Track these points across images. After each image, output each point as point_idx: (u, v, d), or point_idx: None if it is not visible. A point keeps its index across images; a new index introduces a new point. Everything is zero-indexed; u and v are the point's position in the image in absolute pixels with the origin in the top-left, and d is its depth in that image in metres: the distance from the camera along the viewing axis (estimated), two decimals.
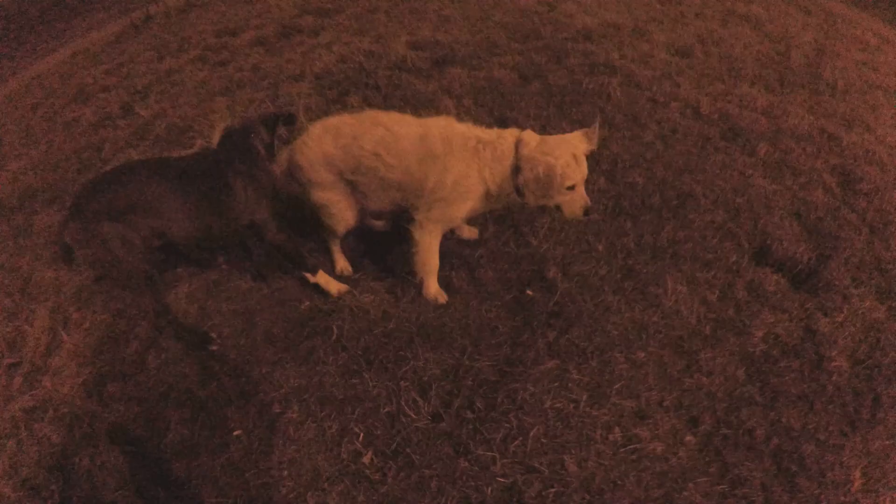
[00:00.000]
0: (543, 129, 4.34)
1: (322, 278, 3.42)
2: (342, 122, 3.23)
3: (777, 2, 8.45)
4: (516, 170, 3.02)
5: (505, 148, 3.03)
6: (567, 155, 2.93)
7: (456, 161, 3.04)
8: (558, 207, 3.07)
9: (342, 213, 3.34)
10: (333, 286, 3.41)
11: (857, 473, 2.61)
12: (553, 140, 3.04)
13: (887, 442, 2.73)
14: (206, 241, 3.48)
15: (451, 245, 3.55)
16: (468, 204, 3.12)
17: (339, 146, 3.13)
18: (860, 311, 3.28)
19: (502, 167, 3.03)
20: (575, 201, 3.00)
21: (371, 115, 3.24)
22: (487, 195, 3.12)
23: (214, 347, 3.27)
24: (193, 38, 7.97)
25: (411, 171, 3.07)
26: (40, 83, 9.04)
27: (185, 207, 3.17)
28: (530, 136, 3.04)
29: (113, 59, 8.45)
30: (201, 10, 9.46)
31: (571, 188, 2.97)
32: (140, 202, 3.09)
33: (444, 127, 3.13)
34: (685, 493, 2.50)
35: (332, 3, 7.94)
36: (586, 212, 3.02)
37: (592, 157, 4.06)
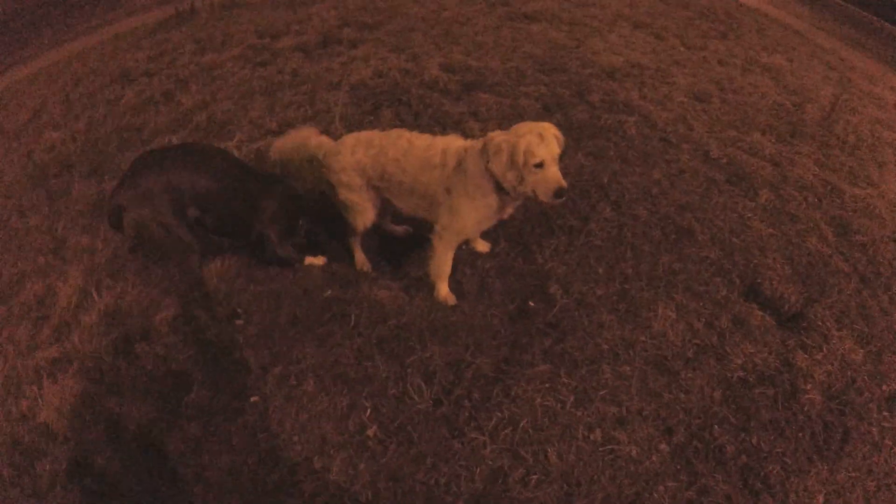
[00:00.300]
0: (560, 159, 4.62)
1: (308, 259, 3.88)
2: (373, 135, 3.56)
3: (801, 54, 8.63)
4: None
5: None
6: (530, 133, 2.98)
7: (452, 172, 3.27)
8: (535, 194, 3.04)
9: (364, 213, 3.66)
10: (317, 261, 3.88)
11: (821, 499, 2.78)
12: (517, 124, 3.11)
13: (853, 474, 2.90)
14: (227, 232, 3.86)
15: (464, 255, 3.82)
16: (470, 215, 3.28)
17: (369, 155, 3.45)
18: (839, 352, 3.46)
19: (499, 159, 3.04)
20: (546, 181, 2.96)
21: (399, 131, 3.55)
22: (498, 195, 3.20)
23: (240, 322, 3.55)
24: (236, 36, 8.20)
25: (418, 178, 3.37)
26: (82, 60, 9.17)
27: (221, 200, 3.60)
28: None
29: (155, 46, 8.64)
30: (244, 10, 9.68)
31: (540, 166, 2.96)
32: (189, 180, 3.47)
33: (447, 141, 3.40)
34: (654, 495, 2.70)
35: (371, 18, 8.19)
36: (558, 194, 2.96)
37: (602, 188, 4.36)
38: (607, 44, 7.44)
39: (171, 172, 3.45)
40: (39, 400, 3.34)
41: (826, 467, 2.91)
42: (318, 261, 3.93)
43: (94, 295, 3.89)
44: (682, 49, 7.80)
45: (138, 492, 2.87)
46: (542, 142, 2.98)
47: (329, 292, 3.67)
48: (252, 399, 3.13)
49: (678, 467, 2.84)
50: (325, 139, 3.77)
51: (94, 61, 8.88)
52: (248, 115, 5.70)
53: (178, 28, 9.49)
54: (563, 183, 2.98)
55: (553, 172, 2.98)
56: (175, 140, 5.47)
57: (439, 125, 4.16)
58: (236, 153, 4.15)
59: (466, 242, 3.83)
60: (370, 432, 2.92)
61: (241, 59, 7.29)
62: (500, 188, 3.16)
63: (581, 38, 7.51)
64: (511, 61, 6.58)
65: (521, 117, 5.28)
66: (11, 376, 3.61)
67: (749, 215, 4.42)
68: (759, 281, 3.84)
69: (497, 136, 3.09)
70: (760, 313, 3.65)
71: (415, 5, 8.74)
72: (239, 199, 3.65)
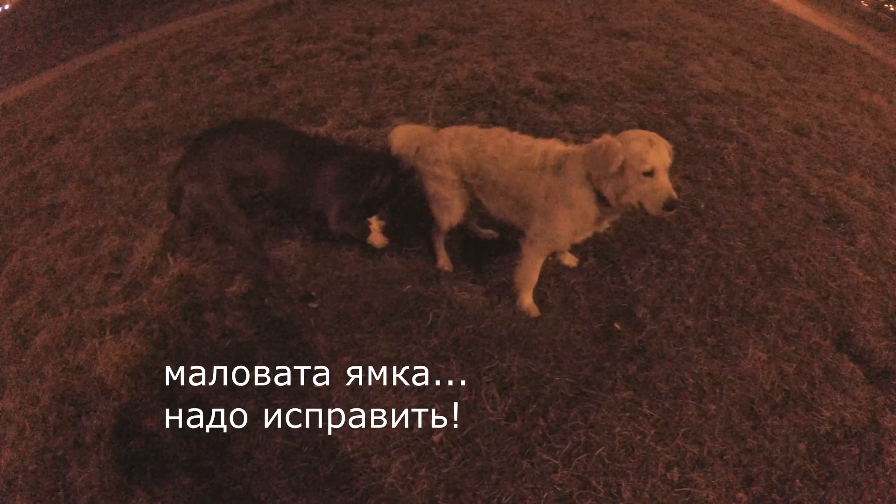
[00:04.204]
0: None
1: (374, 237, 3.77)
2: (473, 130, 3.43)
3: None
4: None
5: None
6: (640, 139, 2.80)
7: (551, 176, 3.07)
8: (642, 206, 2.83)
9: (452, 210, 3.55)
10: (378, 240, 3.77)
11: None
12: (625, 131, 2.93)
13: None
14: (288, 206, 3.83)
15: (550, 267, 3.70)
16: (566, 223, 3.08)
17: (467, 150, 3.33)
18: None
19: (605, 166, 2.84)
20: (655, 191, 2.75)
21: (500, 129, 3.40)
22: (598, 206, 3.00)
23: (314, 305, 3.53)
24: (332, 29, 8.35)
25: (514, 179, 3.20)
26: (180, 40, 9.66)
27: (278, 173, 3.50)
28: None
29: (253, 32, 8.96)
30: (341, 5, 9.87)
31: (650, 174, 2.76)
32: (245, 155, 3.41)
33: (549, 144, 3.21)
34: None
35: (467, 22, 8.19)
36: (669, 205, 2.74)
37: (698, 214, 4.19)
38: (706, 67, 7.24)
39: (227, 148, 3.38)
40: (98, 354, 3.42)
41: None
42: (379, 240, 3.82)
43: (170, 259, 3.99)
44: (781, 80, 7.53)
45: (183, 462, 2.88)
46: (653, 148, 2.79)
47: (409, 287, 3.62)
48: (316, 385, 3.10)
49: None
50: (425, 129, 3.69)
51: (192, 41, 9.27)
52: (340, 105, 5.76)
53: (276, 17, 9.83)
54: (675, 194, 2.77)
55: (664, 182, 2.78)
56: None
57: (533, 133, 4.05)
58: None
59: (554, 254, 3.70)
60: (436, 438, 2.83)
61: (336, 52, 7.40)
62: (601, 198, 2.97)
63: (679, 59, 7.34)
64: (607, 76, 6.46)
65: (616, 133, 5.11)
66: (74, 326, 3.72)
67: (846, 259, 4.19)
68: (851, 331, 3.61)
69: (604, 140, 2.89)
70: (851, 365, 3.42)
71: (510, 13, 8.71)
72: (296, 171, 3.53)
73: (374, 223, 3.84)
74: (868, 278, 4.05)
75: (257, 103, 6.10)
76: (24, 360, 3.67)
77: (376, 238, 3.81)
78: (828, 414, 3.11)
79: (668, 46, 7.80)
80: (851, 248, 4.33)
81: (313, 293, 3.60)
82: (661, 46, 7.78)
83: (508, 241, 3.83)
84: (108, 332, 3.56)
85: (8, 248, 4.87)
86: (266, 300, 3.64)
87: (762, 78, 7.43)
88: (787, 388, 3.22)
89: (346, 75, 6.53)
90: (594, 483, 2.67)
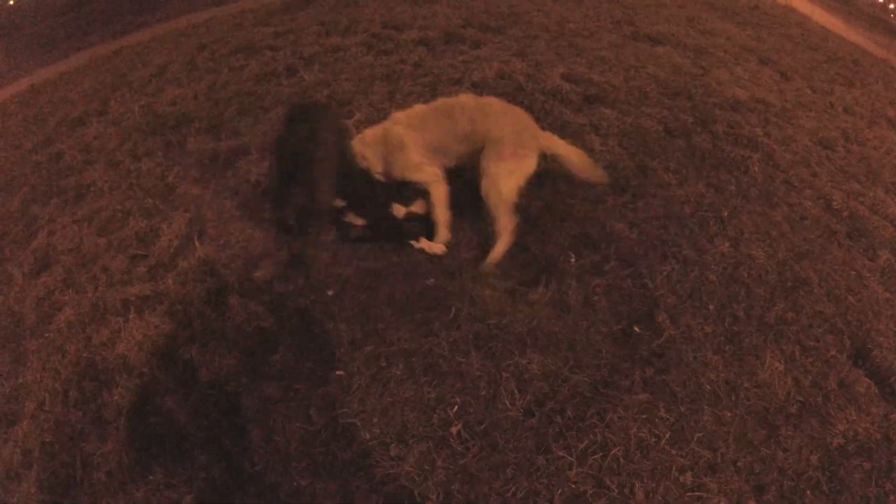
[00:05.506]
0: (681, 185, 4.57)
1: (424, 243, 3.78)
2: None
3: None
4: None
5: None
6: None
7: None
8: None
9: None
10: (437, 247, 3.78)
11: None
12: None
13: None
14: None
15: (574, 269, 3.74)
16: None
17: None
18: None
19: None
20: None
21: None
22: None
23: (330, 292, 3.58)
24: (361, 23, 8.37)
25: None
26: (209, 29, 9.77)
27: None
28: None
29: (282, 24, 9.00)
30: (370, 1, 9.87)
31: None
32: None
33: None
34: None
35: (494, 22, 8.18)
36: None
37: (721, 222, 4.20)
38: (733, 76, 7.20)
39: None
40: (122, 332, 3.49)
41: None
42: (438, 247, 3.88)
43: (196, 242, 4.05)
44: (808, 91, 7.48)
45: (202, 442, 2.94)
46: None
47: (432, 280, 3.65)
48: (337, 373, 3.14)
49: None
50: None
51: (222, 31, 9.39)
52: (368, 98, 5.80)
53: (305, 10, 9.88)
54: None
55: None
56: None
57: (559, 134, 4.10)
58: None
59: None
60: (454, 429, 2.86)
61: (365, 46, 7.42)
62: None
63: (706, 66, 7.30)
64: (634, 80, 6.45)
65: (642, 137, 5.23)
66: (98, 304, 3.79)
67: (867, 275, 4.18)
68: (869, 346, 3.62)
69: None
70: (867, 380, 3.43)
71: (538, 14, 8.70)
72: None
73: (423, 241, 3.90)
74: (887, 295, 4.05)
75: (286, 93, 6.16)
76: (46, 335, 3.74)
77: (433, 247, 3.86)
78: (841, 428, 3.12)
79: (696, 53, 7.76)
80: (872, 263, 4.32)
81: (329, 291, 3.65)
82: (689, 53, 7.74)
83: (529, 244, 3.88)
84: (132, 312, 3.63)
85: (35, 225, 4.96)
86: (293, 284, 3.70)
87: (789, 89, 7.39)
88: (802, 399, 3.22)
89: (374, 70, 6.56)
90: (608, 482, 2.70)
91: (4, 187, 5.82)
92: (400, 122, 3.84)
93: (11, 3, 18.76)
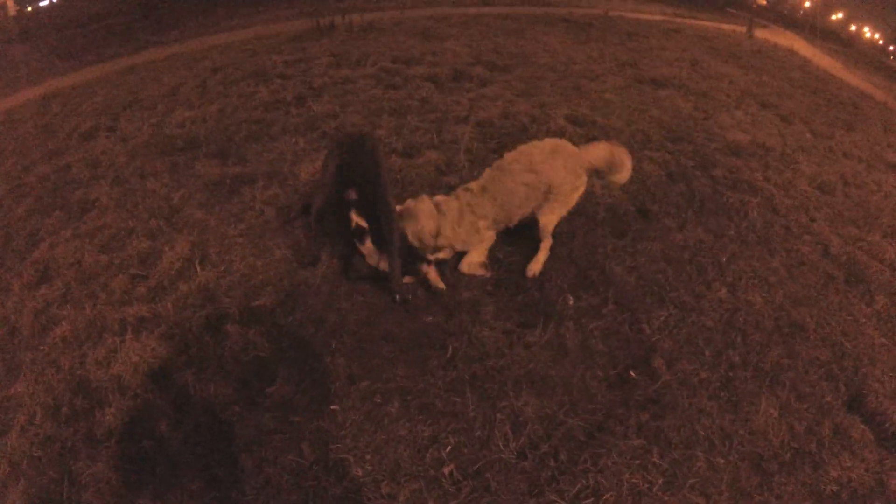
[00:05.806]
0: (680, 230, 4.61)
1: (433, 274, 3.84)
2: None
3: None
4: None
5: None
6: None
7: None
8: None
9: None
10: (439, 283, 3.83)
11: None
12: None
13: None
14: None
15: (572, 312, 3.78)
16: None
17: None
18: None
19: None
20: None
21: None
22: None
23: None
24: (371, 57, 8.51)
25: None
26: (222, 52, 9.87)
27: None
28: None
29: (294, 53, 9.15)
30: (381, 35, 10.11)
31: None
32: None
33: None
34: None
35: (502, 61, 8.33)
36: None
37: (719, 268, 4.24)
38: (734, 120, 7.31)
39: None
40: (118, 352, 3.47)
41: None
42: (440, 283, 3.91)
43: (197, 267, 4.06)
44: (808, 135, 7.60)
45: (193, 468, 2.91)
46: None
47: (430, 318, 3.68)
48: (332, 407, 3.14)
49: None
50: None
51: (234, 56, 9.51)
52: (375, 132, 5.85)
53: (317, 41, 10.08)
54: None
55: None
56: (301, 142, 5.77)
57: None
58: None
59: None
60: (446, 470, 2.85)
61: (374, 79, 7.56)
62: None
63: (708, 110, 7.41)
64: (637, 123, 6.54)
65: (643, 181, 5.30)
66: (95, 322, 3.79)
67: (863, 320, 4.21)
68: (864, 392, 3.64)
69: None
70: (862, 427, 3.43)
71: (545, 55, 8.87)
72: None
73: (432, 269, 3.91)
74: (883, 340, 4.08)
75: (294, 123, 6.23)
76: (42, 347, 3.73)
77: (437, 281, 3.88)
78: (835, 474, 3.12)
79: (698, 96, 7.89)
80: (868, 309, 4.35)
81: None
82: (691, 96, 7.87)
83: (528, 285, 3.94)
84: (129, 332, 3.62)
85: (37, 236, 4.97)
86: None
87: (789, 133, 7.50)
88: (796, 446, 3.23)
89: (381, 104, 6.65)
90: None
91: (9, 195, 5.83)
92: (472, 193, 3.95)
93: (30, 9, 18.92)
